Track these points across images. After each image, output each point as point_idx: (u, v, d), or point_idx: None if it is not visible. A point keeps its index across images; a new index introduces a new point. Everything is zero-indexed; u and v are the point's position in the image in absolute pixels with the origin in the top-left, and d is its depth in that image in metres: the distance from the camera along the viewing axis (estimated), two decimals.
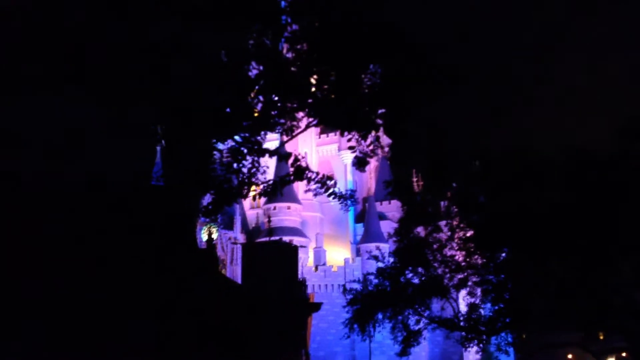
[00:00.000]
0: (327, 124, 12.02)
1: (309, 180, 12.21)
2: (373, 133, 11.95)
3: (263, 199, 64.43)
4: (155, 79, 10.43)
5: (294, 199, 64.27)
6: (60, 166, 10.89)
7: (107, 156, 10.84)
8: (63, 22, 9.97)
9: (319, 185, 12.32)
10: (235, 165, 11.73)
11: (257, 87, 11.36)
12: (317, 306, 21.38)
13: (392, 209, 65.36)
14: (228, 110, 11.40)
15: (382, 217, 66.41)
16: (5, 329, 10.21)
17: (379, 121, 11.57)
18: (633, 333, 22.87)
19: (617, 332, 24.36)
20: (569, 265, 21.94)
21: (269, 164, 13.08)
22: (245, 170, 11.83)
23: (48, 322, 10.55)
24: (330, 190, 12.38)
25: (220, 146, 11.95)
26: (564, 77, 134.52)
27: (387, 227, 57.57)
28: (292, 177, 12.08)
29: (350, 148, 12.35)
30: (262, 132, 11.67)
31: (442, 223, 28.38)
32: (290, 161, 11.75)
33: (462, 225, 26.99)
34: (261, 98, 11.48)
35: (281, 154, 11.74)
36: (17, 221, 10.64)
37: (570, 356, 61.89)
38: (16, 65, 10.42)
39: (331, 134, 72.45)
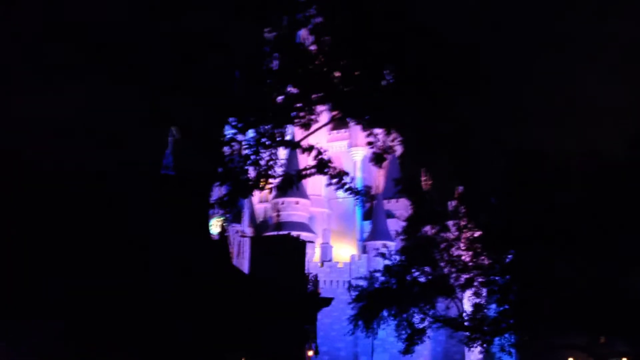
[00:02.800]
0: (350, 117, 12.14)
1: (328, 174, 12.38)
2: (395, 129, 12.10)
3: (272, 194, 64.62)
4: (180, 69, 10.62)
5: (302, 194, 64.45)
6: (79, 152, 11.09)
7: (125, 144, 11.04)
8: (90, 9, 10.18)
9: (337, 179, 12.49)
10: (253, 157, 11.91)
11: (278, 80, 11.53)
12: (327, 301, 21.58)
13: (400, 207, 65.41)
14: (249, 102, 11.58)
15: (390, 215, 66.46)
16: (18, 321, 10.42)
17: (399, 117, 11.69)
18: (636, 337, 22.97)
19: (620, 336, 24.43)
20: (578, 268, 22.04)
21: (283, 158, 13.24)
22: (263, 162, 12.01)
23: (61, 311, 10.72)
24: (347, 186, 12.55)
25: (239, 138, 12.12)
26: (584, 82, 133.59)
27: (394, 225, 57.69)
28: (313, 170, 12.23)
29: (369, 144, 12.49)
30: (283, 125, 11.83)
31: (450, 222, 28.51)
32: (313, 154, 11.91)
33: (469, 225, 27.11)
34: (281, 90, 11.64)
35: (302, 147, 11.92)
36: (29, 203, 10.83)
37: (571, 359, 61.88)
38: (41, 50, 10.63)
39: (341, 131, 72.52)
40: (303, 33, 12.03)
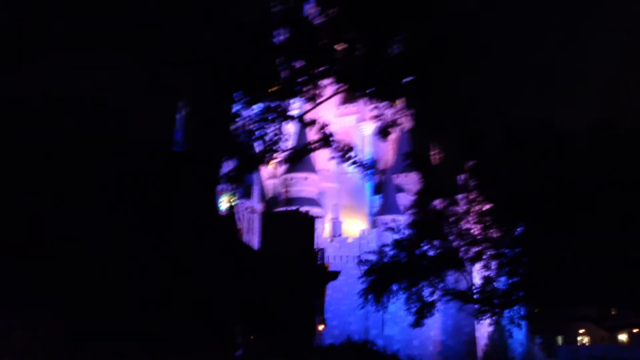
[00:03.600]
0: (355, 90, 12.04)
1: (333, 148, 12.32)
2: (399, 102, 11.98)
3: (281, 169, 64.69)
4: (186, 41, 10.53)
5: (311, 169, 64.43)
6: (89, 126, 11.07)
7: (134, 117, 11.01)
8: None
9: (342, 153, 12.43)
10: (258, 132, 11.86)
11: (283, 53, 11.43)
12: (334, 275, 21.71)
13: (410, 181, 65.25)
14: (255, 76, 11.49)
15: (400, 189, 66.38)
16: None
17: (407, 89, 11.57)
18: None
19: (630, 308, 24.41)
20: (588, 241, 21.94)
21: (290, 133, 13.18)
22: (268, 137, 11.96)
23: (73, 286, 10.78)
24: (352, 159, 12.49)
25: (244, 114, 12.06)
26: (591, 54, 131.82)
27: (404, 199, 57.68)
28: (317, 144, 12.18)
29: (375, 117, 12.40)
30: (288, 99, 11.75)
31: (460, 196, 28.41)
32: (317, 128, 11.84)
33: (479, 198, 27.00)
34: (287, 64, 11.54)
35: (306, 121, 11.85)
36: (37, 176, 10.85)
37: (582, 331, 62.14)
38: (47, 23, 10.54)
39: (350, 105, 72.16)
40: (308, 7, 11.87)
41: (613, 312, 27.07)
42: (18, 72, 10.39)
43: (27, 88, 10.60)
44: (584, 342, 63.42)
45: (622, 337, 60.09)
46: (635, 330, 40.77)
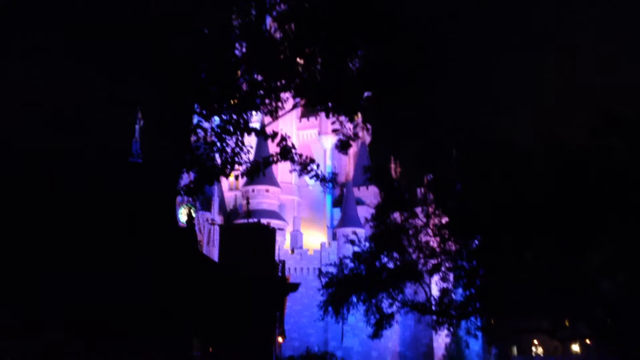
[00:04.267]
0: (314, 104, 12.18)
1: (293, 160, 12.39)
2: (358, 116, 12.14)
3: (242, 181, 64.43)
4: (144, 52, 10.48)
5: (272, 182, 64.41)
6: (45, 133, 10.88)
7: (91, 127, 10.88)
8: None
9: (301, 166, 12.50)
10: (219, 144, 11.85)
11: (243, 66, 11.47)
12: (294, 286, 21.70)
13: (370, 194, 65.91)
14: (214, 88, 11.49)
15: (360, 202, 66.93)
16: None
17: (365, 104, 11.75)
18: (598, 320, 23.64)
19: (582, 320, 25.10)
20: (541, 254, 22.53)
21: (252, 145, 13.23)
22: (229, 149, 11.95)
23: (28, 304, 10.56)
24: (313, 172, 12.58)
25: (205, 125, 12.04)
26: (544, 73, 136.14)
27: (364, 212, 58.20)
28: (277, 157, 12.23)
29: (334, 131, 12.54)
30: (248, 112, 11.78)
31: (418, 209, 28.82)
32: (277, 140, 11.90)
33: (437, 212, 27.45)
34: (247, 77, 11.59)
35: (267, 134, 11.90)
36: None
37: (536, 341, 63.48)
38: (9, 32, 10.38)
39: (312, 118, 72.58)
40: (270, 20, 11.98)
41: (567, 324, 27.79)
42: None
43: None
44: (538, 352, 64.77)
45: (575, 347, 61.63)
46: (587, 341, 41.85)
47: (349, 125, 12.49)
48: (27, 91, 10.27)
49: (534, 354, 64.29)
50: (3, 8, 10.09)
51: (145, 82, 10.91)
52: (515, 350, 64.81)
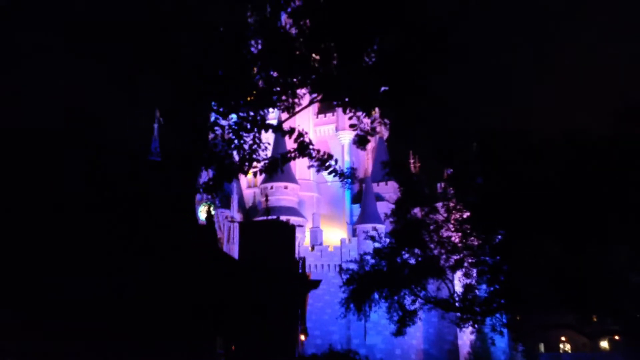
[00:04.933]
0: (330, 100, 12.00)
1: (311, 156, 12.24)
2: (375, 111, 11.93)
3: (260, 179, 64.45)
4: (160, 51, 10.42)
5: (291, 178, 64.36)
6: (67, 134, 10.91)
7: (111, 127, 10.88)
8: None
9: (320, 162, 12.34)
10: (236, 141, 11.75)
11: (259, 63, 11.34)
12: (315, 283, 21.55)
13: (389, 190, 65.52)
14: (231, 85, 11.39)
15: (379, 198, 66.58)
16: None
17: (382, 98, 11.55)
18: (626, 315, 23.13)
19: (610, 315, 24.62)
20: (565, 246, 22.09)
21: (269, 141, 13.09)
22: (246, 146, 11.85)
23: (42, 307, 10.56)
24: (331, 168, 12.41)
25: (222, 122, 11.95)
26: (565, 60, 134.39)
27: (383, 208, 57.79)
28: (294, 153, 12.08)
29: (352, 126, 12.34)
30: (265, 109, 11.66)
31: (439, 204, 28.50)
32: (294, 137, 11.75)
33: (458, 206, 27.12)
34: (263, 74, 11.46)
35: (284, 130, 11.75)
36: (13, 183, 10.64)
37: (563, 338, 62.66)
38: (18, 32, 10.40)
39: (329, 114, 72.38)
40: (286, 16, 11.84)
41: (594, 319, 27.29)
42: None
43: (4, 95, 10.43)
44: (565, 349, 63.92)
45: (604, 344, 60.71)
46: (616, 337, 41.15)
47: (367, 121, 12.29)
48: (44, 91, 10.27)
49: (561, 351, 63.46)
50: (3, 8, 10.07)
51: (161, 80, 10.86)
52: (542, 347, 64.03)
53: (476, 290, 27.22)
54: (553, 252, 22.24)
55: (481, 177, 25.31)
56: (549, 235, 22.10)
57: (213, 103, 11.59)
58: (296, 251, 25.29)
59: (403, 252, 28.31)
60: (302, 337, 27.81)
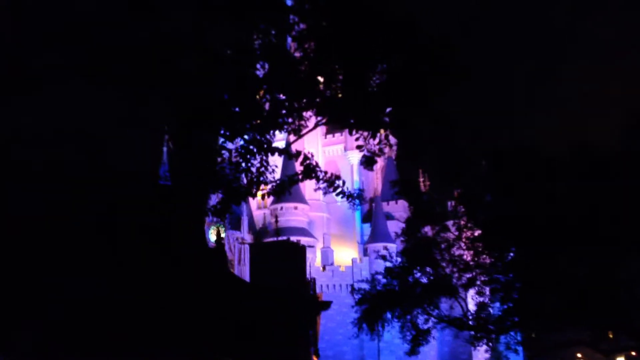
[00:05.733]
0: (336, 122, 12.07)
1: (318, 179, 12.27)
2: (381, 131, 11.98)
3: (270, 200, 64.57)
4: (166, 75, 10.53)
5: (301, 199, 64.38)
6: (70, 162, 10.98)
7: (120, 151, 10.95)
8: (71, 14, 10.08)
9: (327, 184, 12.37)
10: (244, 164, 11.80)
11: (265, 86, 11.43)
12: (326, 304, 21.43)
13: (399, 209, 65.40)
14: (237, 109, 11.47)
15: (389, 217, 66.42)
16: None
17: (387, 119, 11.60)
18: None
19: (626, 331, 24.26)
20: (578, 263, 21.89)
21: (277, 164, 13.15)
22: (254, 169, 11.89)
23: (52, 321, 10.58)
24: (339, 190, 12.43)
25: (229, 146, 12.02)
26: (570, 76, 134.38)
27: (394, 227, 57.63)
28: (301, 176, 12.12)
29: (358, 147, 12.39)
30: (271, 131, 11.72)
31: (450, 222, 28.37)
32: (300, 159, 11.79)
33: (469, 224, 26.99)
34: (269, 97, 11.54)
35: (290, 153, 11.79)
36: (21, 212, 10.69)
37: (579, 355, 61.68)
38: (23, 59, 10.53)
39: (337, 134, 72.58)
40: (291, 39, 11.97)
41: (610, 336, 26.90)
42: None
43: (9, 122, 10.54)
44: None
45: None
46: (632, 353, 40.47)
47: (373, 142, 12.33)
48: (50, 116, 10.38)
49: None
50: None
51: (168, 105, 10.96)
52: None
53: (489, 309, 26.99)
54: (566, 268, 22.03)
55: (490, 195, 25.23)
56: (561, 251, 21.91)
57: (220, 126, 11.68)
58: (307, 272, 25.23)
59: (415, 271, 28.15)
60: (315, 359, 27.60)
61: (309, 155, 11.88)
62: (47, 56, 10.23)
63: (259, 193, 12.62)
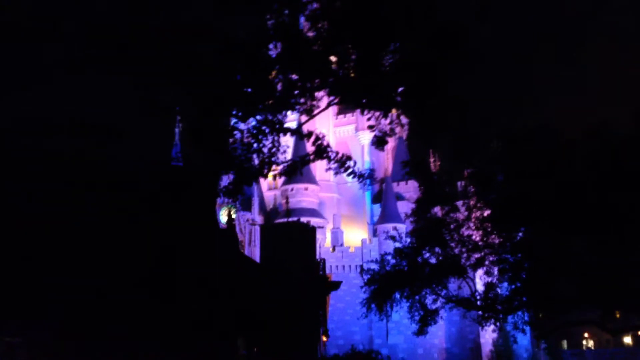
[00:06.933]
0: (348, 102, 12.11)
1: (329, 159, 12.35)
2: (393, 111, 12.02)
3: (280, 181, 64.71)
4: (180, 58, 10.62)
5: (311, 180, 64.52)
6: (86, 147, 11.15)
7: (132, 135, 11.09)
8: (88, 4, 10.19)
9: (338, 164, 12.45)
10: (255, 145, 11.90)
11: (277, 67, 11.48)
12: (336, 285, 21.67)
13: (409, 189, 65.40)
14: (249, 89, 11.55)
15: (399, 197, 66.46)
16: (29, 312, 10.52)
17: (399, 99, 11.63)
18: None
19: (634, 311, 24.34)
20: (589, 244, 21.92)
21: (289, 144, 13.24)
22: (265, 150, 12.00)
23: (74, 304, 10.79)
24: (350, 170, 12.51)
25: (242, 126, 12.12)
26: (587, 59, 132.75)
27: (404, 207, 57.73)
28: (312, 156, 12.21)
29: (370, 127, 12.43)
30: (283, 112, 11.80)
31: (459, 203, 28.40)
32: (312, 140, 11.87)
33: (479, 204, 27.00)
34: (282, 77, 11.59)
35: (302, 133, 11.89)
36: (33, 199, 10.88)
37: (586, 334, 61.94)
38: (39, 48, 10.65)
39: (348, 115, 72.40)
40: (304, 19, 11.96)
41: (617, 315, 26.99)
42: (14, 96, 10.50)
43: (26, 111, 10.70)
44: (588, 346, 63.18)
45: (627, 340, 59.89)
46: (639, 333, 40.57)
47: (385, 122, 12.37)
48: (64, 101, 10.52)
49: (584, 347, 62.74)
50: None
51: (180, 87, 11.06)
52: (565, 344, 63.37)
53: (497, 289, 27.06)
54: (577, 248, 22.07)
55: (503, 175, 25.18)
56: (573, 232, 21.93)
57: (232, 108, 11.76)
58: (317, 252, 25.45)
59: (424, 252, 28.24)
60: (324, 338, 27.94)
61: (321, 136, 11.95)
62: (61, 46, 10.35)
63: (270, 174, 12.73)
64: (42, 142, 10.64)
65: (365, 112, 12.03)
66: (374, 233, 65.61)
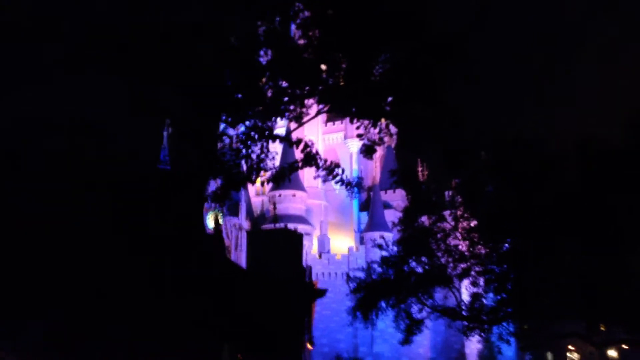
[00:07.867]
0: (337, 110, 12.14)
1: (317, 166, 12.35)
2: (382, 120, 12.05)
3: (268, 187, 64.60)
4: (172, 62, 10.58)
5: (299, 186, 64.46)
6: (79, 147, 11.07)
7: (120, 137, 11.02)
8: (83, 3, 10.14)
9: (327, 172, 12.45)
10: (244, 150, 11.87)
11: (267, 73, 11.48)
12: (321, 292, 21.61)
13: (397, 198, 65.54)
14: (239, 95, 11.52)
15: (387, 206, 66.56)
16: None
17: (388, 109, 11.67)
18: (635, 324, 23.00)
19: (619, 324, 24.47)
20: (575, 256, 22.03)
21: (277, 151, 13.23)
22: (254, 156, 11.97)
23: (64, 308, 10.69)
24: (338, 177, 12.51)
25: (231, 132, 12.08)
26: (579, 71, 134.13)
27: (391, 216, 57.78)
28: (301, 163, 12.21)
29: (359, 136, 12.45)
30: (273, 118, 11.79)
31: (447, 212, 28.47)
32: (300, 147, 11.87)
33: (466, 215, 27.08)
34: (272, 84, 11.59)
35: (291, 140, 11.87)
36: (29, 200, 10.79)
37: (571, 347, 62.20)
38: (36, 47, 10.59)
39: (337, 122, 72.52)
40: (292, 27, 11.98)
41: (602, 328, 27.10)
42: (14, 96, 10.42)
43: (25, 111, 10.63)
44: (573, 358, 63.45)
45: (612, 353, 60.21)
46: (624, 347, 40.80)
47: (374, 131, 12.40)
48: (55, 101, 10.44)
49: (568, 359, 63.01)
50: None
51: (173, 91, 11.01)
52: (550, 356, 63.61)
53: (483, 299, 27.12)
54: (565, 259, 22.16)
55: (492, 186, 25.27)
56: (561, 242, 22.03)
57: (222, 113, 11.73)
58: (303, 259, 25.38)
59: (410, 261, 28.25)
60: (309, 346, 27.83)
61: (309, 143, 11.94)
62: (57, 46, 10.29)
63: (259, 180, 12.69)
64: (42, 142, 10.55)
65: (355, 121, 12.05)
66: (361, 241, 65.62)
